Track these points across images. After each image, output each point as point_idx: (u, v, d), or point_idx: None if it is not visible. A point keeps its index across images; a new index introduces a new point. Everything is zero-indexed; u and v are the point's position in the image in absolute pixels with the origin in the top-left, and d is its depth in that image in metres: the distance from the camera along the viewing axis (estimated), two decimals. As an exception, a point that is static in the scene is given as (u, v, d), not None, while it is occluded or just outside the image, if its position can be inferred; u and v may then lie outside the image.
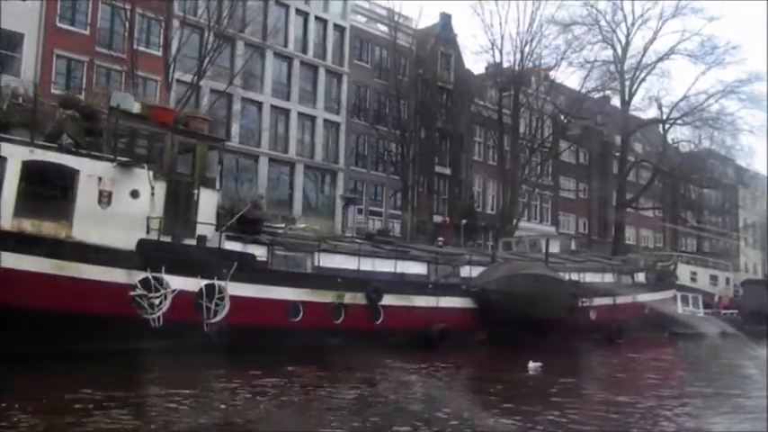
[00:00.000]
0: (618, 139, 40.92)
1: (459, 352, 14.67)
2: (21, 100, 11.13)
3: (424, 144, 33.80)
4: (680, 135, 41.86)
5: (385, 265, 15.65)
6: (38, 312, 9.80)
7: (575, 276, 19.68)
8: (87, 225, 10.80)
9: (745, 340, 22.69)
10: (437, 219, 34.11)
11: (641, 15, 37.08)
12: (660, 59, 37.30)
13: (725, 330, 24.33)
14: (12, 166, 10.16)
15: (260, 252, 13.37)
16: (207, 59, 23.91)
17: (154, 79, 25.08)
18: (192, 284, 11.84)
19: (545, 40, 33.57)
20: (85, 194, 10.90)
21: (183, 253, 12.02)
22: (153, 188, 11.59)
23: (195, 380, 9.69)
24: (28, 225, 10.28)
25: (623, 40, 37.42)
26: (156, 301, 11.20)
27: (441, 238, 23.78)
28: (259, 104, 30.03)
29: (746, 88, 36.91)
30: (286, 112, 31.08)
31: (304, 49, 31.83)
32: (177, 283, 11.59)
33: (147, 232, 11.57)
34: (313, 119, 32.04)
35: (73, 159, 10.83)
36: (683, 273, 28.99)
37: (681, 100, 38.18)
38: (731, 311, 29.15)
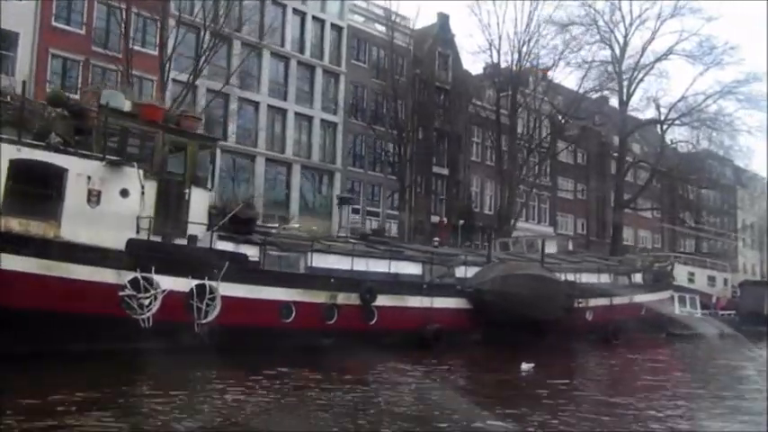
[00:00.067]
0: (616, 140, 40.85)
1: (453, 352, 14.57)
2: (9, 98, 11.01)
3: (422, 144, 33.71)
4: (678, 136, 41.90)
5: (379, 266, 15.54)
6: (25, 313, 9.68)
7: (571, 277, 19.59)
8: (76, 224, 10.68)
9: (743, 341, 22.63)
10: (434, 219, 34.02)
11: (639, 15, 37.12)
12: (658, 60, 37.35)
13: (722, 331, 24.25)
14: (-2, 165, 10.05)
15: (252, 252, 13.26)
16: (203, 59, 23.82)
17: (150, 79, 25.00)
18: (183, 284, 11.73)
19: (543, 40, 33.58)
20: (74, 193, 10.78)
21: (174, 253, 11.91)
22: (143, 187, 11.48)
23: (184, 380, 9.59)
24: (15, 224, 10.16)
25: (621, 41, 37.45)
26: (146, 302, 11.09)
27: (436, 239, 23.66)
28: (256, 104, 29.95)
29: (744, 89, 36.99)
30: (283, 111, 31.00)
31: (301, 49, 31.75)
32: (167, 283, 11.48)
33: (137, 232, 11.46)
34: (310, 119, 31.96)
35: (61, 158, 10.72)
36: (681, 273, 28.91)
37: (679, 100, 38.22)
38: (729, 312, 29.08)
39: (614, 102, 40.14)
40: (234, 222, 13.11)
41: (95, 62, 24.27)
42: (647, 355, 17.81)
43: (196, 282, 11.84)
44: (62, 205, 10.72)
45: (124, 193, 11.36)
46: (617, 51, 37.34)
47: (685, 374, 14.13)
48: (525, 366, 11.56)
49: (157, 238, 11.77)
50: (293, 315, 13.37)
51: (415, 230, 31.32)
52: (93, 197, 10.92)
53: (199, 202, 12.56)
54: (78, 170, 10.83)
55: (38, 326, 9.84)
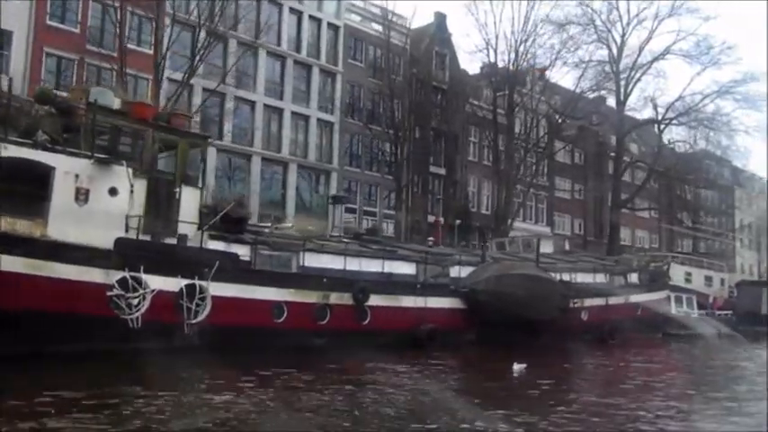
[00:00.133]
0: (613, 140, 40.79)
1: (446, 353, 14.47)
2: (-4, 96, 10.90)
3: (419, 144, 33.62)
4: (675, 135, 41.86)
5: (372, 265, 15.44)
6: (11, 313, 9.57)
7: (566, 276, 19.52)
8: (63, 223, 10.58)
9: (741, 341, 22.58)
10: (431, 219, 33.95)
11: (637, 15, 37.07)
12: (655, 59, 37.28)
13: (720, 331, 24.18)
14: (-16, 163, 9.95)
15: (243, 251, 13.16)
16: (198, 57, 23.70)
17: (145, 78, 24.88)
18: (172, 284, 11.63)
19: (540, 39, 33.52)
20: (61, 192, 10.68)
21: (163, 252, 11.80)
22: (132, 186, 11.37)
23: (172, 381, 9.48)
24: (2, 223, 10.05)
25: (618, 40, 37.40)
26: (135, 302, 10.99)
27: (431, 238, 23.59)
28: (252, 103, 29.85)
29: (742, 88, 36.97)
30: (279, 111, 30.89)
31: (298, 48, 31.65)
32: (156, 282, 11.38)
33: (126, 231, 11.35)
34: (306, 118, 31.85)
35: (48, 156, 10.61)
36: (678, 273, 28.84)
37: (676, 100, 38.18)
38: (725, 312, 29.01)
39: (612, 101, 40.10)
40: (225, 221, 13.01)
41: (90, 61, 24.15)
42: (643, 355, 17.71)
43: (186, 281, 11.75)
44: (49, 204, 10.62)
45: (113, 191, 11.26)
46: (614, 51, 37.34)
47: (680, 375, 14.04)
48: (517, 367, 11.47)
49: (147, 238, 11.67)
50: (285, 315, 13.28)
51: (411, 230, 31.22)
52: (81, 196, 10.81)
53: (189, 201, 12.45)
54: (66, 168, 10.73)
55: (24, 326, 9.72)
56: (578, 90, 35.79)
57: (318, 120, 32.16)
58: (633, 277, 23.00)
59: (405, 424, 7.54)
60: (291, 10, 31.38)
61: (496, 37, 33.05)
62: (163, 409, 7.54)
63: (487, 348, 15.09)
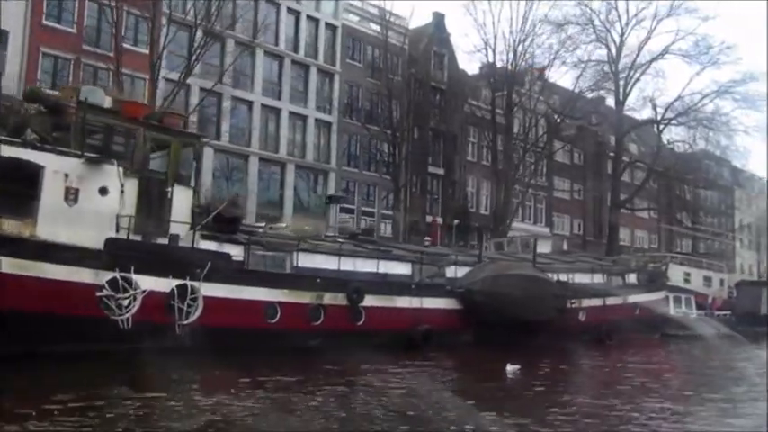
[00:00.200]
0: (612, 140, 40.68)
1: (442, 353, 14.36)
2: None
3: (417, 144, 33.53)
4: (675, 135, 41.70)
5: (367, 265, 15.34)
6: (0, 313, 9.49)
7: (563, 277, 19.40)
8: (53, 223, 10.48)
9: (740, 341, 22.46)
10: (430, 219, 33.85)
11: (635, 15, 36.91)
12: (654, 59, 37.13)
13: (718, 331, 24.06)
14: (-28, 162, 9.86)
15: (236, 251, 13.05)
16: (194, 57, 23.61)
17: (142, 77, 24.80)
18: (164, 285, 11.52)
19: (538, 39, 33.41)
20: (51, 191, 10.58)
21: (154, 252, 11.70)
22: (123, 185, 11.27)
23: (162, 382, 9.38)
24: (-10, 223, 9.96)
25: (617, 40, 37.26)
26: (125, 302, 10.88)
27: (428, 238, 23.47)
28: (249, 103, 29.78)
29: (741, 88, 36.80)
30: (277, 111, 30.82)
31: (295, 48, 31.58)
32: (147, 283, 11.27)
33: (117, 231, 11.25)
34: (304, 118, 31.78)
35: (37, 155, 10.50)
36: (677, 274, 28.72)
37: (675, 100, 38.01)
38: (724, 313, 28.88)
39: (611, 102, 39.97)
40: (218, 221, 12.91)
41: (86, 61, 24.09)
42: (640, 355, 17.59)
43: (177, 282, 11.63)
44: (38, 203, 10.52)
45: (103, 191, 11.15)
46: (613, 51, 37.19)
47: (677, 376, 13.94)
48: (511, 368, 11.36)
49: (138, 238, 11.57)
50: (278, 316, 13.17)
51: (410, 230, 31.12)
52: (71, 195, 10.71)
53: (182, 201, 12.34)
54: (55, 167, 10.63)
55: (12, 327, 9.61)
56: (577, 90, 35.69)
57: (316, 120, 32.09)
58: (631, 277, 22.89)
59: (395, 425, 7.44)
60: (289, 10, 31.32)
61: (495, 37, 33.00)
62: (151, 412, 7.45)
63: (483, 349, 14.98)
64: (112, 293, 10.82)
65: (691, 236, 44.89)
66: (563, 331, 17.82)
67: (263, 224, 16.36)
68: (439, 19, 36.94)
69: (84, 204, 10.89)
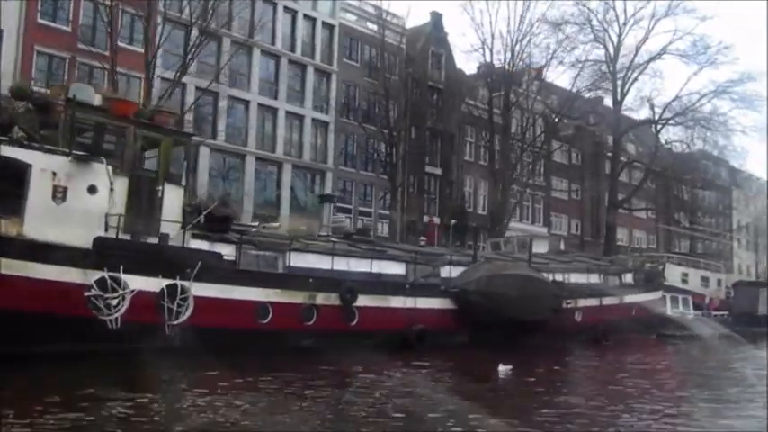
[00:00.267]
0: (610, 140, 40.61)
1: (436, 354, 14.25)
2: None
3: (415, 144, 33.43)
4: (672, 135, 41.67)
5: (360, 265, 15.22)
6: (-14, 313, 9.40)
7: (559, 277, 19.31)
8: (40, 222, 10.37)
9: (735, 342, 22.37)
10: (427, 219, 33.74)
11: (633, 15, 36.88)
12: (652, 59, 37.07)
13: (715, 332, 23.99)
14: (-42, 160, 9.77)
15: (227, 251, 12.94)
16: (190, 56, 23.50)
17: (138, 76, 24.69)
18: (153, 284, 11.41)
19: (536, 39, 33.31)
20: (38, 190, 10.46)
21: (143, 251, 11.59)
22: (112, 184, 11.16)
23: (149, 383, 9.27)
24: (-24, 222, 9.85)
25: (615, 40, 37.20)
26: (114, 302, 10.77)
27: (423, 238, 23.36)
28: (246, 103, 29.66)
29: (739, 88, 36.80)
30: (273, 110, 30.70)
31: (292, 48, 31.46)
32: (137, 282, 11.16)
33: (106, 230, 11.14)
34: (301, 118, 31.66)
35: (25, 153, 10.38)
36: (674, 274, 28.67)
37: (673, 100, 37.98)
38: (722, 313, 28.81)
39: (608, 101, 39.92)
40: (209, 220, 12.81)
41: (82, 59, 23.97)
42: (635, 356, 17.49)
43: (167, 281, 11.52)
44: (25, 202, 10.41)
45: (92, 189, 11.03)
46: (611, 51, 37.14)
47: (671, 376, 13.84)
48: (503, 368, 11.26)
49: (127, 237, 11.45)
50: (270, 316, 13.07)
51: (408, 230, 31.02)
52: (59, 194, 10.59)
53: (172, 200, 12.23)
54: (43, 165, 10.52)
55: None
56: (575, 90, 35.60)
57: (313, 119, 31.97)
58: (628, 277, 22.81)
59: (384, 426, 7.35)
60: (286, 9, 31.20)
61: (492, 36, 32.89)
62: (137, 414, 7.35)
63: (478, 349, 14.87)
64: (101, 293, 10.71)
65: (689, 236, 44.83)
66: (559, 331, 17.75)
67: (256, 223, 16.24)
68: (436, 18, 36.84)
69: (72, 203, 10.78)
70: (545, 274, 18.58)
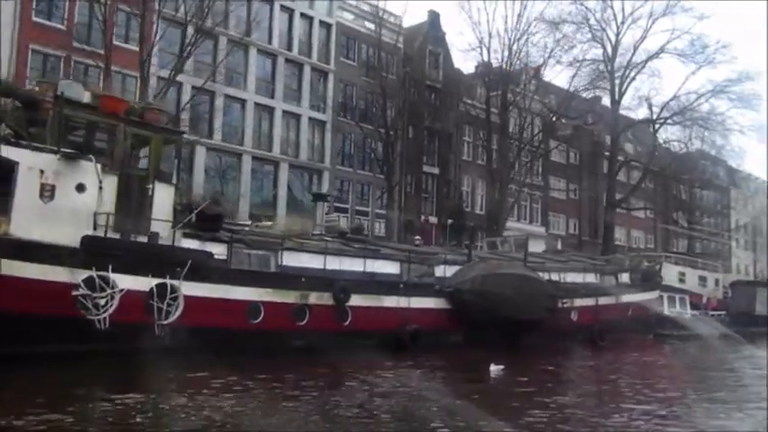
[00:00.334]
0: (608, 139, 40.50)
1: (430, 354, 14.16)
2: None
3: (412, 143, 33.32)
4: (671, 135, 41.57)
5: (354, 264, 15.12)
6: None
7: (555, 276, 19.20)
8: (27, 221, 10.26)
9: (733, 342, 22.28)
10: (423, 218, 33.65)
11: (631, 14, 36.75)
12: (650, 58, 36.94)
13: (713, 331, 23.89)
14: (-56, 158, 9.66)
15: (219, 250, 12.83)
16: (185, 54, 23.37)
17: (133, 75, 24.56)
18: (143, 284, 11.31)
19: (533, 38, 33.18)
20: (25, 188, 10.35)
21: (132, 250, 11.47)
22: (101, 182, 11.05)
23: (134, 383, 9.17)
24: (-38, 220, 9.74)
25: (613, 39, 37.06)
26: (102, 302, 10.65)
27: (418, 237, 23.23)
28: (242, 102, 29.54)
29: (737, 88, 36.69)
30: (270, 109, 30.57)
31: (289, 46, 31.33)
32: (126, 282, 11.06)
33: (95, 228, 11.03)
34: (298, 117, 31.53)
35: (11, 150, 10.27)
36: (672, 273, 28.55)
37: (671, 99, 37.86)
38: (719, 313, 28.70)
39: (606, 101, 39.82)
40: (200, 219, 12.70)
41: (77, 58, 23.85)
42: (631, 356, 17.39)
43: (157, 281, 11.42)
44: (12, 200, 10.30)
45: (80, 187, 10.92)
46: (609, 50, 37.00)
47: (666, 376, 13.73)
48: (494, 368, 11.16)
49: (117, 236, 11.34)
50: (261, 315, 12.96)
51: (405, 230, 30.91)
52: (47, 192, 10.49)
53: (163, 198, 12.12)
54: (30, 163, 10.40)
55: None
56: (572, 89, 35.46)
57: (310, 118, 31.84)
58: (624, 277, 22.68)
59: (371, 426, 7.25)
60: (283, 7, 31.06)
61: (490, 35, 32.76)
62: (123, 414, 7.25)
63: (472, 349, 14.77)
64: (89, 293, 10.59)
65: (687, 236, 44.71)
66: (554, 331, 17.63)
67: (249, 222, 16.13)
68: (434, 17, 36.73)
69: (60, 201, 10.67)
70: (540, 274, 18.47)
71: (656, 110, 38.75)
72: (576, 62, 35.25)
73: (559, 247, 28.73)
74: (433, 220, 34.17)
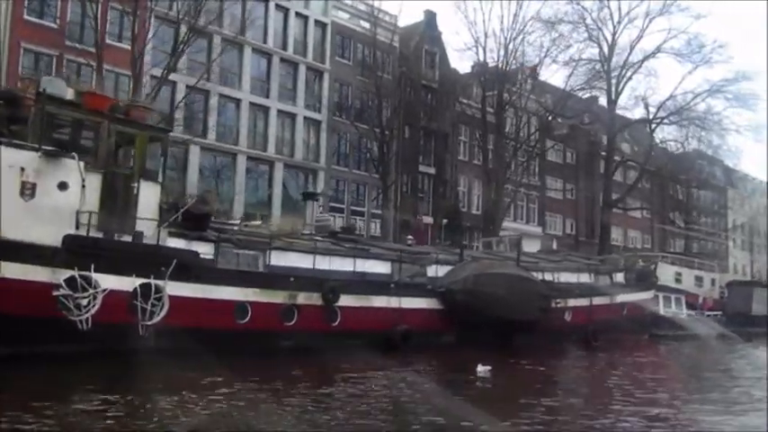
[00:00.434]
0: (605, 139, 40.39)
1: (419, 355, 14.00)
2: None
3: (408, 143, 33.19)
4: (667, 135, 41.46)
5: (344, 264, 14.97)
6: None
7: (548, 276, 19.05)
8: (7, 219, 10.08)
9: (730, 342, 22.17)
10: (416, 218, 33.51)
11: (627, 13, 36.63)
12: (646, 58, 36.84)
13: (709, 331, 23.77)
14: None
15: (205, 249, 12.67)
16: (179, 50, 23.22)
17: (126, 74, 24.40)
18: (126, 284, 11.13)
19: (530, 37, 33.07)
20: (5, 186, 10.15)
21: (116, 250, 11.30)
22: (84, 180, 10.88)
23: (118, 384, 9.02)
24: (-60, 219, 9.57)
25: (609, 39, 36.91)
26: (84, 302, 10.47)
27: (410, 237, 23.07)
28: (237, 101, 29.41)
29: (733, 87, 36.60)
30: (265, 109, 30.45)
31: (284, 46, 31.21)
32: (109, 282, 10.88)
33: (77, 227, 10.86)
34: (293, 116, 31.41)
35: (-10, 148, 10.12)
36: (668, 273, 28.41)
37: (667, 99, 37.73)
38: (715, 313, 28.58)
39: (603, 100, 39.70)
40: (186, 218, 12.54)
41: (69, 57, 23.71)
42: (624, 356, 17.24)
43: (141, 281, 11.24)
44: (-8, 199, 10.13)
45: (62, 186, 10.74)
46: (605, 49, 36.86)
47: (658, 377, 13.57)
48: (482, 369, 11.00)
49: (100, 235, 11.18)
50: (249, 316, 12.81)
51: (401, 230, 30.77)
52: (27, 190, 10.31)
53: (148, 197, 11.94)
54: (10, 161, 10.22)
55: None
56: (569, 89, 35.35)
57: (305, 118, 31.72)
58: (619, 277, 22.56)
59: (358, 426, 7.12)
60: (278, 6, 30.95)
61: (486, 35, 32.65)
62: (103, 415, 7.10)
63: (464, 350, 14.62)
64: (70, 293, 10.41)
65: (684, 236, 44.61)
66: (548, 331, 17.51)
67: (238, 221, 15.97)
68: (430, 17, 36.62)
69: (41, 199, 10.49)
70: (534, 274, 18.34)
71: (652, 109, 38.68)
72: (573, 62, 35.18)
73: (555, 246, 28.56)
74: (429, 220, 34.02)
